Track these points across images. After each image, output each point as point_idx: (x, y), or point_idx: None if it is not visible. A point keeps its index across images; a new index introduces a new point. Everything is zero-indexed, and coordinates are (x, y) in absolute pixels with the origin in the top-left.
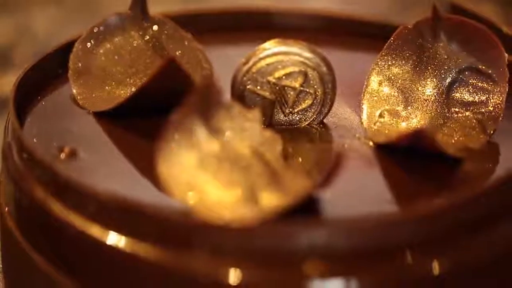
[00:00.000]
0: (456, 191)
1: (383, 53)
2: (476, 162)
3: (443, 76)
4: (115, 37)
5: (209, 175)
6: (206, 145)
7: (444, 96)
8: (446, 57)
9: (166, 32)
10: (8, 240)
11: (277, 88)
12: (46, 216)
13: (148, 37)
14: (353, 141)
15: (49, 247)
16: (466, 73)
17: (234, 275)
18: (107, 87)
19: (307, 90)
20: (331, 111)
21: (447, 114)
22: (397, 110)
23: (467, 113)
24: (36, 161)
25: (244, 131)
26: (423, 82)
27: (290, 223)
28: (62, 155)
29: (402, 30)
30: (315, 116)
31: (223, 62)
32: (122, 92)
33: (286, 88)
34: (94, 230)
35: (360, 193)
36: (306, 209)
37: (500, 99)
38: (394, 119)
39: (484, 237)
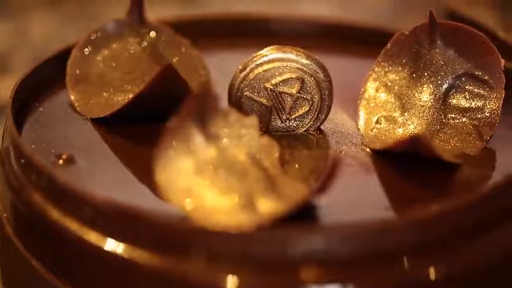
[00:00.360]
0: (452, 197)
1: (379, 60)
2: (472, 168)
3: (439, 82)
4: (113, 43)
5: (206, 182)
6: (203, 151)
7: (440, 102)
8: (442, 63)
9: (163, 38)
10: (6, 246)
11: (274, 94)
12: (44, 222)
13: (145, 44)
14: (350, 148)
15: (47, 253)
16: (463, 79)
17: (231, 282)
18: (104, 94)
19: (304, 96)
20: (328, 118)
21: (444, 120)
22: (394, 116)
23: (464, 119)
24: (34, 167)
25: (241, 138)
26: (420, 88)
27: (287, 230)
28: (60, 162)
29: (399, 37)
30: (312, 122)
31: (221, 69)
32: (119, 98)
33: (283, 94)
34: (92, 236)
35: (357, 199)
36: (303, 215)
37: (497, 105)
38: (391, 125)
39: (481, 243)
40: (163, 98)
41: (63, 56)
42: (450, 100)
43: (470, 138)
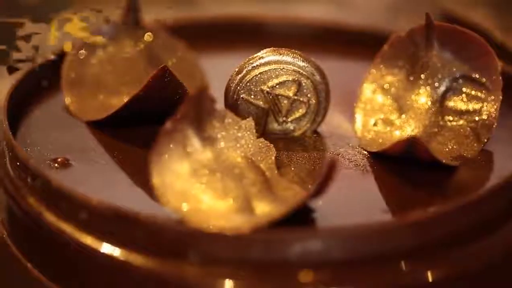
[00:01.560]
0: (450, 199)
1: (376, 62)
2: (470, 170)
3: (436, 84)
4: (108, 46)
5: (202, 185)
6: (200, 154)
7: (438, 104)
8: (439, 65)
9: (159, 41)
10: (1, 249)
11: (271, 97)
12: (39, 225)
13: (141, 46)
14: (347, 150)
15: (42, 256)
16: (460, 81)
17: (228, 284)
18: (100, 97)
19: (301, 99)
20: (324, 120)
21: (441, 123)
22: (391, 118)
23: (461, 122)
24: (29, 171)
25: (238, 141)
26: (417, 90)
27: (284, 232)
28: (55, 165)
29: (396, 39)
30: (308, 125)
31: (217, 71)
32: (115, 101)
33: (279, 97)
34: (88, 240)
35: (354, 201)
36: (300, 218)
37: (494, 108)
38: (388, 127)
39: (478, 245)
40: (159, 100)
41: (58, 59)
42: (447, 103)
43: (468, 140)
